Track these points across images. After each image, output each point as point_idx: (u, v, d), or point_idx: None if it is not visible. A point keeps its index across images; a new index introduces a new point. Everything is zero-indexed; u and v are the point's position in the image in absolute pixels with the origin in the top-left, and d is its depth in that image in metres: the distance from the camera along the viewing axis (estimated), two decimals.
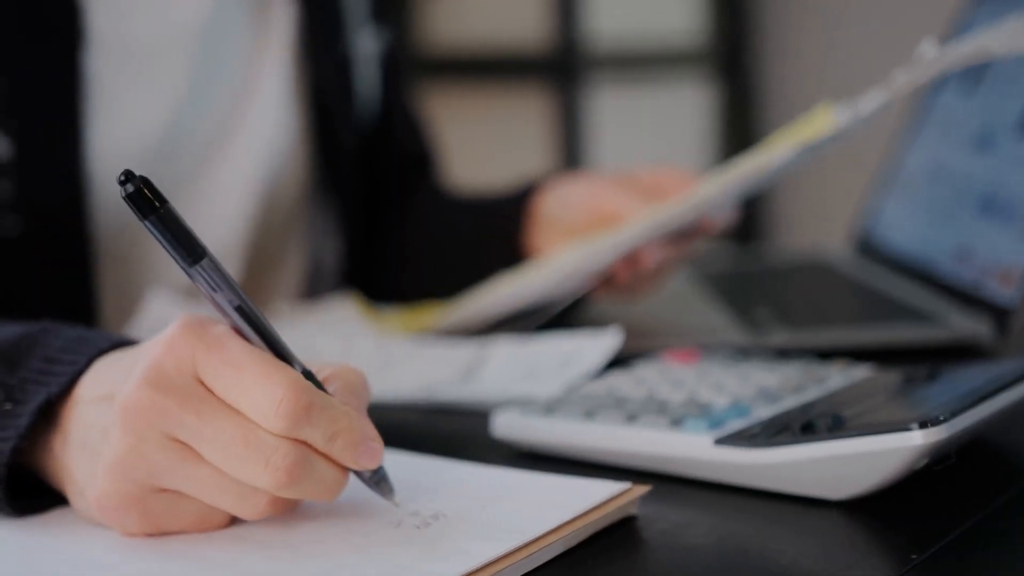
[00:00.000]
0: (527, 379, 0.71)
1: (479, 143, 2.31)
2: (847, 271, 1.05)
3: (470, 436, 0.66)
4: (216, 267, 0.47)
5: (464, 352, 0.76)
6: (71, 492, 0.52)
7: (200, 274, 0.47)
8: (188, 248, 0.47)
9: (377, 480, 0.51)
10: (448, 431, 0.68)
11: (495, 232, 0.94)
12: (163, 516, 0.49)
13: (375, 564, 0.46)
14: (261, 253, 0.93)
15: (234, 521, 0.51)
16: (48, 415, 0.52)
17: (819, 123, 0.77)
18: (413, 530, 0.49)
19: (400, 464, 0.58)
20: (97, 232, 0.81)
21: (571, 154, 2.29)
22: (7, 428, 0.52)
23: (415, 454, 0.59)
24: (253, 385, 0.47)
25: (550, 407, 0.61)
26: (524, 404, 0.63)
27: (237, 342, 0.49)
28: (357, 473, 0.51)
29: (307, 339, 0.81)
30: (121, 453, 0.48)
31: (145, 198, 0.46)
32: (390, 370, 0.75)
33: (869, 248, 1.06)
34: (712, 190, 0.81)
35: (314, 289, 1.00)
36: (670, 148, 2.48)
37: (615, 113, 2.36)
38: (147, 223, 0.46)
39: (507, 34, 2.38)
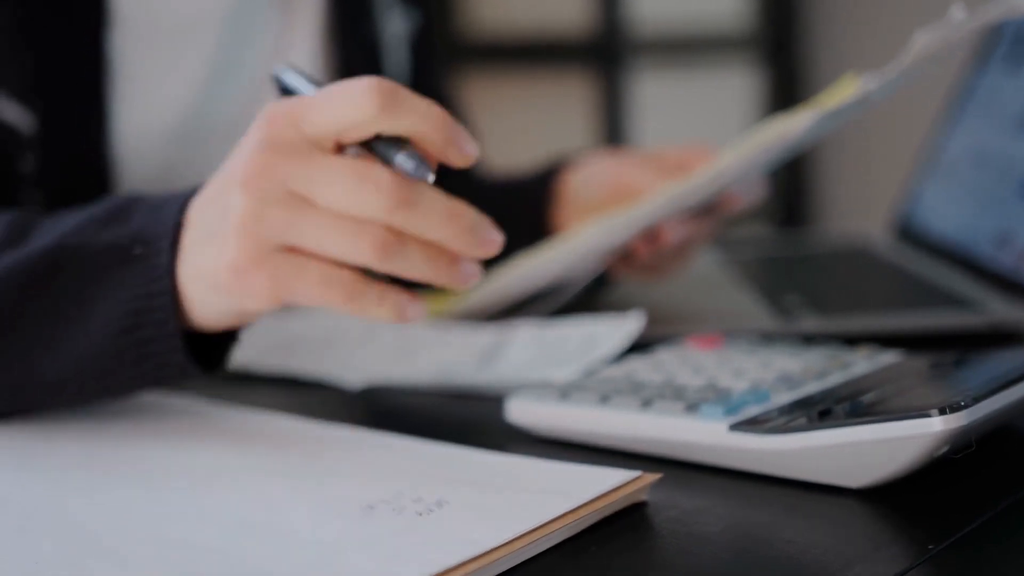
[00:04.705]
0: (547, 364, 0.70)
1: (522, 129, 2.30)
2: (885, 257, 1.03)
3: (487, 421, 0.64)
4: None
5: (484, 337, 0.75)
6: (200, 292, 0.56)
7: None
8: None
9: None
10: (465, 416, 0.67)
11: (522, 211, 0.93)
12: (290, 277, 0.54)
13: (374, 551, 0.45)
14: None
15: (352, 301, 0.54)
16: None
17: (844, 90, 0.74)
18: (415, 517, 0.48)
19: (410, 451, 0.57)
20: None
21: (614, 140, 2.28)
22: (153, 268, 0.57)
23: (426, 440, 0.58)
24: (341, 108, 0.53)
25: (565, 392, 0.60)
26: (538, 389, 0.62)
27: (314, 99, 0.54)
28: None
29: (331, 322, 0.80)
30: (245, 215, 0.53)
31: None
32: (410, 355, 0.74)
33: (909, 233, 1.04)
34: (731, 161, 0.79)
35: None
36: (714, 134, 2.46)
37: (658, 99, 2.34)
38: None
39: (550, 19, 2.36)
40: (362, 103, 0.53)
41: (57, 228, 0.61)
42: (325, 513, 0.49)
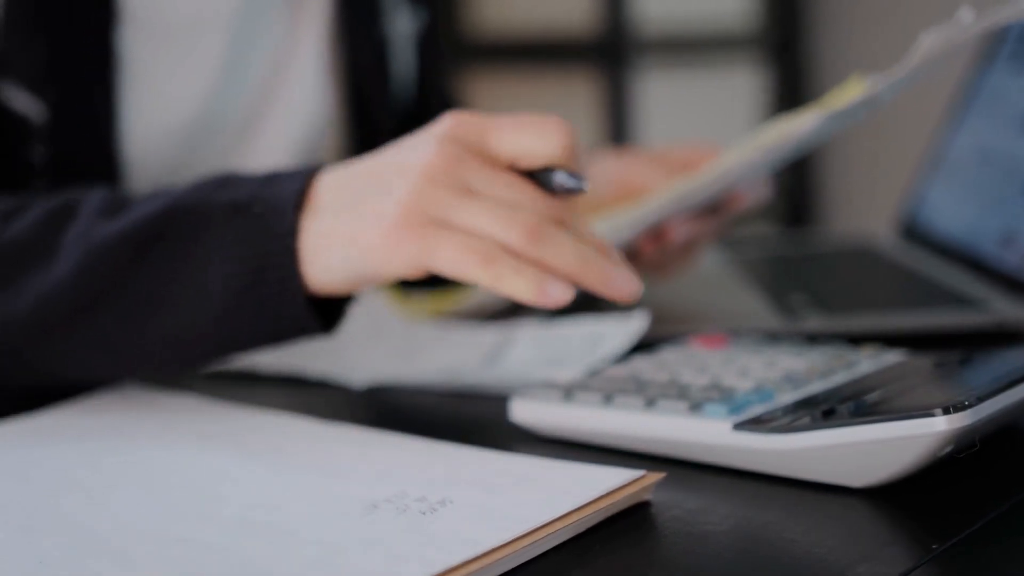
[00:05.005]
0: (551, 363, 0.70)
1: None
2: (890, 256, 1.03)
3: (491, 421, 0.64)
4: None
5: (488, 336, 0.75)
6: (324, 254, 0.59)
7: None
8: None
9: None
10: (470, 416, 0.67)
11: None
12: (435, 243, 0.57)
13: (376, 550, 0.45)
14: None
15: (488, 266, 0.57)
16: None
17: (850, 91, 0.74)
18: (419, 516, 0.48)
19: (414, 450, 0.57)
20: None
21: (619, 140, 2.28)
22: (277, 225, 0.60)
23: (430, 440, 0.58)
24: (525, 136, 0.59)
25: (569, 391, 0.60)
26: (542, 388, 0.61)
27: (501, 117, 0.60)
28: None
29: None
30: (415, 192, 0.58)
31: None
32: (416, 355, 0.74)
33: (914, 233, 1.04)
34: (736, 160, 0.78)
35: None
36: (719, 134, 2.45)
37: (664, 98, 2.34)
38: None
39: (556, 19, 2.36)
40: (552, 139, 0.59)
41: (163, 195, 0.63)
42: (327, 512, 0.49)
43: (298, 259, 0.60)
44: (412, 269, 0.59)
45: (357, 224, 0.59)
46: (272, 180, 0.62)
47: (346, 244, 0.59)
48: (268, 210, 0.61)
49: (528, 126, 0.59)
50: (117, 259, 0.62)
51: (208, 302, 0.61)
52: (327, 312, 0.63)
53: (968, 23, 0.70)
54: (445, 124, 0.60)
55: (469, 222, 0.58)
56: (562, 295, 0.58)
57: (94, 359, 0.64)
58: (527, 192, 0.59)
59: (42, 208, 0.65)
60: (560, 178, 0.59)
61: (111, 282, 0.62)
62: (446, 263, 0.58)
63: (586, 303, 0.83)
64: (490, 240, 0.58)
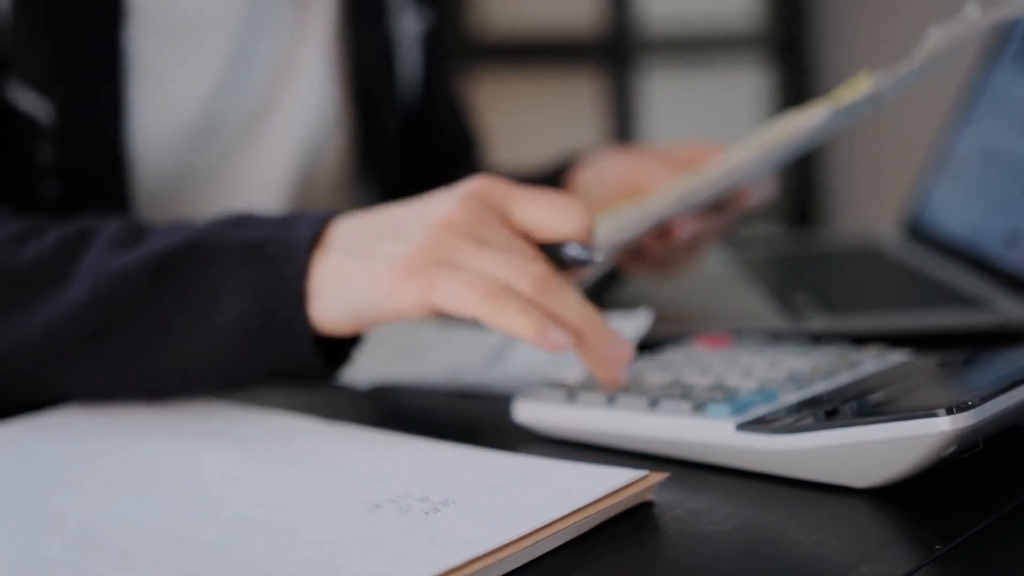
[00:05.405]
0: (554, 363, 0.70)
1: (533, 128, 2.30)
2: (895, 256, 1.03)
3: (494, 421, 0.64)
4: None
5: (491, 336, 0.75)
6: (331, 295, 0.60)
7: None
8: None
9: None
10: (473, 416, 0.67)
11: None
12: (440, 282, 0.58)
13: (378, 550, 0.45)
14: None
15: (492, 300, 0.58)
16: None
17: (857, 87, 0.74)
18: (421, 516, 0.48)
19: (417, 450, 0.57)
20: (136, 204, 0.82)
21: (624, 139, 2.27)
22: (287, 267, 0.61)
23: (433, 440, 0.58)
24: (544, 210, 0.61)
25: (572, 392, 0.60)
26: (545, 389, 0.61)
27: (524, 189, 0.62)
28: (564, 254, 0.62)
29: None
30: (431, 240, 0.59)
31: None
32: (418, 355, 0.74)
33: (919, 232, 1.04)
34: (742, 157, 0.78)
35: None
36: (724, 133, 2.45)
37: (669, 98, 2.34)
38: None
39: (561, 19, 2.36)
40: (570, 218, 0.61)
41: (181, 230, 0.64)
42: (329, 512, 0.49)
43: (306, 300, 0.61)
44: (417, 308, 0.59)
45: (366, 264, 0.60)
46: (289, 222, 0.63)
47: (353, 283, 0.60)
48: (280, 251, 0.62)
49: (549, 201, 0.61)
50: (131, 288, 0.63)
51: (217, 337, 0.62)
52: (333, 355, 0.64)
53: (975, 19, 0.70)
54: (472, 184, 0.62)
55: (478, 264, 0.59)
56: (563, 341, 0.58)
57: (101, 383, 0.65)
58: (538, 257, 0.60)
59: (58, 234, 0.66)
60: (573, 250, 0.61)
61: (123, 310, 0.63)
62: (450, 299, 0.58)
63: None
64: (496, 279, 0.58)
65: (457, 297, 0.58)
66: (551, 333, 0.58)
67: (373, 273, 0.60)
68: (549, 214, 0.61)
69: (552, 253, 0.61)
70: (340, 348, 0.64)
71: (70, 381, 0.65)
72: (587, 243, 0.61)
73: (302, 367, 0.63)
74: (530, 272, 0.59)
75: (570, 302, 0.59)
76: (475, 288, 0.58)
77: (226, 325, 0.62)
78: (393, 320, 0.61)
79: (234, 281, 0.62)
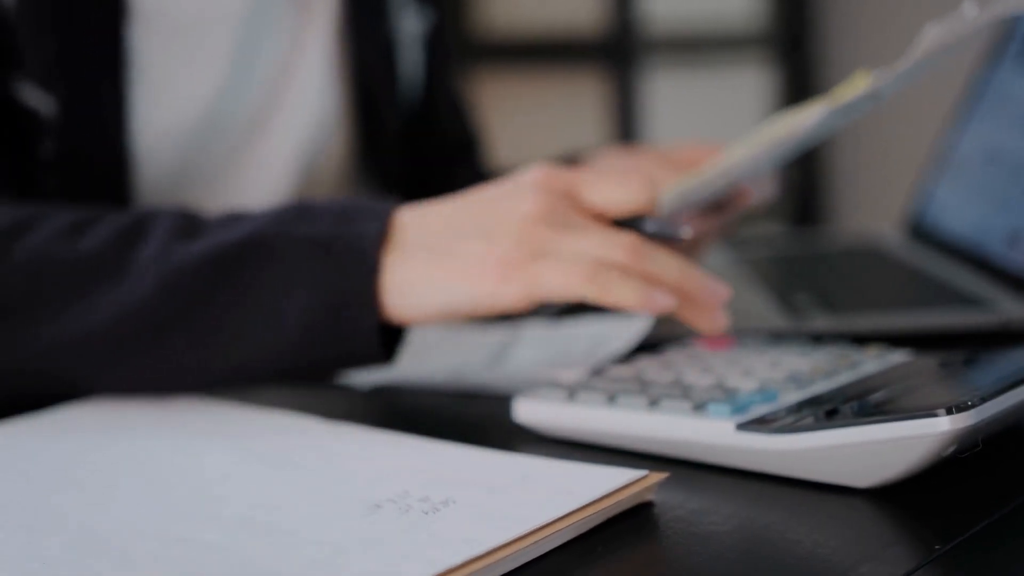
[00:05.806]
0: (555, 363, 0.70)
1: (535, 128, 2.30)
2: (897, 255, 1.03)
3: (494, 421, 0.64)
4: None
5: (492, 336, 0.75)
6: (406, 291, 0.62)
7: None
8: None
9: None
10: (473, 416, 0.67)
11: None
12: (539, 271, 0.60)
13: (378, 550, 0.45)
14: None
15: (593, 280, 0.60)
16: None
17: (856, 85, 0.74)
18: (421, 516, 0.48)
19: (417, 450, 0.57)
20: (137, 201, 0.82)
21: (627, 139, 2.27)
22: (355, 266, 0.62)
23: (434, 440, 0.58)
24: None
25: (572, 391, 0.60)
26: (546, 388, 0.61)
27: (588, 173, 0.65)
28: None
29: None
30: (519, 232, 0.61)
31: None
32: (419, 355, 0.74)
33: (920, 232, 1.04)
34: (741, 155, 0.78)
35: None
36: (727, 133, 2.45)
37: (671, 97, 2.34)
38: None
39: (563, 18, 2.36)
40: (636, 191, 0.63)
41: (240, 222, 0.65)
42: (329, 512, 0.49)
43: (377, 299, 0.62)
44: (522, 301, 0.61)
45: (457, 265, 0.62)
46: (350, 216, 0.64)
47: (443, 283, 0.62)
48: (347, 249, 0.63)
49: (614, 179, 0.64)
50: (197, 281, 0.63)
51: (281, 333, 0.63)
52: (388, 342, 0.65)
53: (971, 16, 0.69)
54: (535, 175, 0.63)
55: (572, 248, 0.61)
56: (667, 302, 0.61)
57: (159, 377, 0.65)
58: (621, 231, 0.62)
59: (113, 224, 0.66)
60: (653, 225, 0.63)
61: (190, 303, 0.63)
62: (554, 287, 0.60)
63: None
64: (592, 258, 0.60)
65: (561, 284, 0.60)
66: (656, 297, 0.60)
67: (467, 273, 0.61)
68: (616, 191, 0.63)
69: (634, 227, 0.64)
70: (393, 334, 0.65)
71: (123, 375, 0.65)
72: (666, 220, 0.64)
73: (362, 361, 0.64)
74: (620, 244, 0.61)
75: (665, 262, 0.61)
76: (575, 272, 0.60)
77: (290, 324, 0.63)
78: (491, 315, 0.63)
79: (300, 279, 0.62)
